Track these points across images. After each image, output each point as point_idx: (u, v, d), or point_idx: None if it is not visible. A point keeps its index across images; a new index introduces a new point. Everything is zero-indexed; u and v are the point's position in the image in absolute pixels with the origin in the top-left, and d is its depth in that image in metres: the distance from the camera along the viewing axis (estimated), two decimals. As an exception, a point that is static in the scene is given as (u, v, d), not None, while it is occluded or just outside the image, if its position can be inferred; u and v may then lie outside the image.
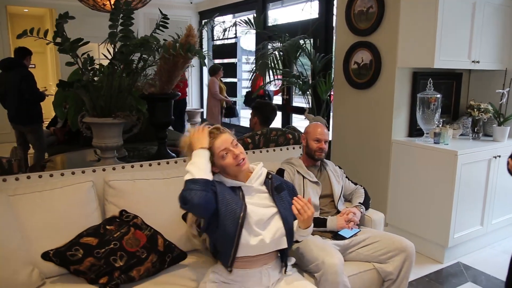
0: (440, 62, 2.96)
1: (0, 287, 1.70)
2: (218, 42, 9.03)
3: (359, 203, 2.41)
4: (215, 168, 1.70)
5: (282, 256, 1.79)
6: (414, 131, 3.38)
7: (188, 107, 9.35)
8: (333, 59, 3.91)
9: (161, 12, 2.66)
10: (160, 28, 2.66)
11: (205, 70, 9.47)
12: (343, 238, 2.21)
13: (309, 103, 4.90)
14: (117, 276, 1.85)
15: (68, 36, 2.38)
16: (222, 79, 7.45)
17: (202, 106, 9.59)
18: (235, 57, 8.22)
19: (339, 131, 3.85)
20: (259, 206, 1.70)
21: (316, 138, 2.41)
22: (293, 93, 6.37)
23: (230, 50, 8.39)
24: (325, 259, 1.88)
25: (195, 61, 9.88)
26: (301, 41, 4.80)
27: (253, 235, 1.64)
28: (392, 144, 3.33)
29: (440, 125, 3.14)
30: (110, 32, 2.34)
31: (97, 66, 2.99)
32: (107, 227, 1.95)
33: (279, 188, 1.80)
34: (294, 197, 1.64)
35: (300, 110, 5.76)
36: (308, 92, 4.81)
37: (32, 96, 4.58)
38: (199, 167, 1.57)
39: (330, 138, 4.01)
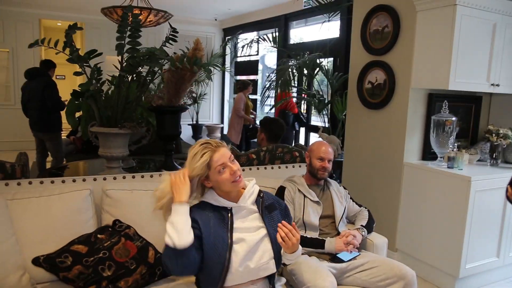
0: (455, 84, 2.88)
1: (-12, 289, 1.72)
2: (240, 59, 9.14)
3: (361, 225, 2.34)
4: (208, 182, 1.65)
5: (270, 277, 1.73)
6: (428, 154, 3.28)
7: (208, 122, 9.47)
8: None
9: (170, 26, 2.71)
10: (170, 41, 2.71)
11: (227, 85, 9.59)
12: (341, 261, 2.13)
13: (325, 122, 4.85)
14: (104, 285, 1.84)
15: (94, 47, 2.47)
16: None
17: (222, 122, 9.67)
18: (256, 74, 8.29)
19: (351, 151, 3.77)
20: (248, 231, 1.65)
21: (319, 156, 2.36)
22: (311, 112, 6.35)
23: (252, 67, 8.47)
24: (316, 283, 1.82)
25: (217, 75, 10.02)
26: (321, 60, 4.80)
27: (241, 266, 1.59)
28: (404, 167, 3.24)
29: (455, 149, 3.03)
30: (118, 43, 2.39)
31: (109, 77, 3.07)
32: (98, 236, 1.96)
33: (271, 207, 1.75)
34: (279, 224, 1.58)
35: (316, 129, 5.71)
36: (324, 111, 4.77)
37: (53, 104, 4.74)
38: (178, 229, 1.48)
39: (343, 159, 3.95)
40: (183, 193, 1.56)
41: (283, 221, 1.60)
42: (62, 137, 5.44)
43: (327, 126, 4.90)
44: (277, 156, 2.89)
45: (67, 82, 10.29)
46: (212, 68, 9.09)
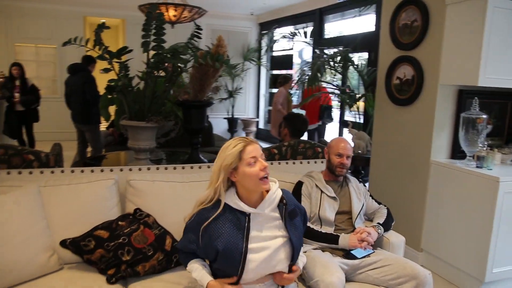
0: (485, 80, 2.78)
1: (22, 266, 1.88)
2: (276, 53, 9.17)
3: (378, 223, 2.33)
4: (234, 176, 1.62)
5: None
6: (458, 153, 3.19)
7: (244, 116, 9.58)
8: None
9: (195, 23, 2.80)
10: (194, 38, 2.81)
11: (263, 79, 9.65)
12: (354, 257, 2.15)
13: (356, 118, 4.81)
14: (123, 269, 1.97)
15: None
16: (275, 89, 7.47)
17: (257, 116, 9.76)
18: (291, 68, 8.29)
19: (379, 147, 3.73)
20: (264, 240, 1.63)
21: (338, 152, 2.38)
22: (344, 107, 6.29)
23: (286, 61, 8.48)
24: (324, 277, 1.85)
25: (253, 69, 10.14)
26: (355, 54, 4.76)
27: (253, 273, 1.62)
28: (431, 165, 3.17)
29: (485, 148, 2.93)
30: (143, 41, 2.51)
31: (139, 74, 3.22)
32: (119, 222, 2.09)
33: (293, 214, 1.71)
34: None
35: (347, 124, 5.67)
36: (355, 107, 4.73)
37: (92, 98, 5.00)
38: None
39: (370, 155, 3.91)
40: None
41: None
42: (102, 129, 5.75)
43: (358, 121, 4.86)
44: (299, 151, 2.93)
45: (111, 76, 10.75)
46: (248, 62, 9.20)
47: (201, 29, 2.79)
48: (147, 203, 2.25)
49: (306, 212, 1.82)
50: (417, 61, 3.23)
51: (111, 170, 2.48)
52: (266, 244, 1.63)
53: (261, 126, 9.88)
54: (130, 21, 8.39)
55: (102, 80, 5.62)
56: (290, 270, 1.68)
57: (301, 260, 1.77)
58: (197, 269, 1.67)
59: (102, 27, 2.44)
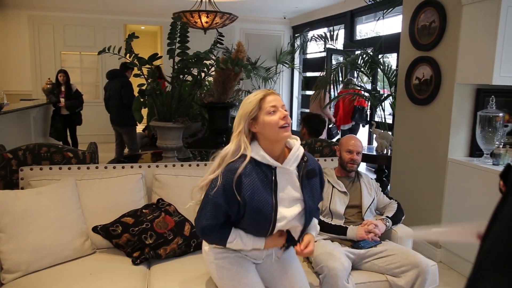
0: (500, 79, 2.84)
1: (60, 249, 2.18)
2: (308, 56, 9.31)
3: (387, 216, 2.47)
4: (255, 126, 1.63)
5: (288, 237, 1.77)
6: (476, 150, 3.24)
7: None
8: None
9: (217, 30, 3.04)
10: (218, 45, 3.05)
11: (296, 81, 9.80)
12: (360, 247, 2.30)
13: (384, 119, 4.89)
14: (147, 251, 2.23)
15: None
16: (308, 92, 7.62)
17: (291, 117, 9.91)
18: (323, 70, 8.39)
19: (400, 146, 3.83)
20: (290, 197, 1.67)
21: (348, 149, 2.54)
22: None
23: (319, 63, 8.60)
24: (328, 263, 2.02)
25: (286, 72, 10.21)
26: (382, 55, 4.86)
27: (284, 225, 1.68)
28: (448, 163, 3.24)
29: (501, 146, 2.98)
30: (169, 48, 2.78)
31: (168, 78, 3.49)
32: (143, 210, 2.36)
33: (311, 173, 1.73)
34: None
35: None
36: (380, 107, 4.82)
37: (128, 101, 5.37)
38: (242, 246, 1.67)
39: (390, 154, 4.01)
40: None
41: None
42: (138, 131, 6.14)
43: (386, 122, 4.93)
44: (316, 149, 3.10)
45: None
46: (281, 65, 9.40)
47: (223, 36, 3.03)
48: (170, 194, 2.51)
49: (324, 183, 1.88)
50: (435, 61, 3.31)
51: (140, 167, 2.75)
52: (292, 201, 1.66)
53: (294, 127, 10.03)
54: (166, 28, 8.82)
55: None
56: (302, 233, 1.72)
57: (315, 228, 1.81)
58: (240, 237, 1.66)
59: (132, 36, 2.74)
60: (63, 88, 6.42)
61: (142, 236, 2.23)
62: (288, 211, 1.66)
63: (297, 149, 1.70)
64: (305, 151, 1.76)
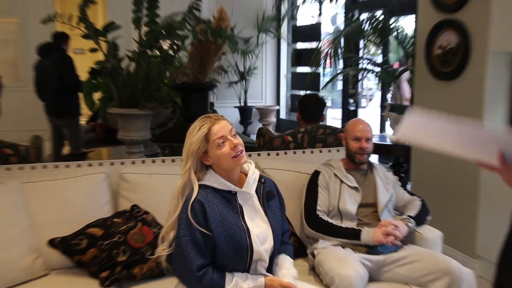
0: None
1: (3, 270, 2.29)
2: (299, 23, 9.47)
3: (409, 216, 2.68)
4: (207, 159, 2.00)
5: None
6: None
7: (260, 104, 9.92)
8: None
9: (192, -8, 3.20)
10: (193, 11, 3.21)
11: (284, 55, 9.96)
12: (378, 252, 2.50)
13: (396, 99, 5.14)
14: (118, 271, 2.38)
15: (118, 19, 2.95)
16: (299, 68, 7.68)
17: (278, 103, 10.08)
18: (319, 40, 8.60)
19: (421, 133, 4.06)
20: (254, 221, 2.06)
21: (355, 136, 2.74)
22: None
23: (314, 32, 8.79)
24: (340, 271, 2.23)
25: (270, 44, 10.24)
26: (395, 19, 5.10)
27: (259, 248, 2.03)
28: (483, 151, 3.48)
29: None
30: (134, 17, 2.93)
31: (129, 53, 3.64)
32: (115, 219, 2.51)
33: (270, 196, 2.15)
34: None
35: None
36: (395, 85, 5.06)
37: (71, 83, 5.39)
38: None
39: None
40: None
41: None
42: (81, 123, 6.19)
43: (401, 104, 5.18)
44: (317, 138, 3.30)
45: (86, 57, 11.21)
46: (264, 35, 9.52)
47: (199, 0, 3.19)
48: (144, 199, 2.66)
49: (283, 200, 2.25)
50: (463, 24, 3.54)
51: (101, 164, 2.89)
52: (260, 225, 2.04)
53: (282, 116, 10.18)
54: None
55: (78, 62, 6.00)
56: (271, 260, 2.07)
57: (287, 267, 2.11)
58: (239, 278, 1.96)
59: (88, 1, 2.87)
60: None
61: (113, 251, 2.38)
62: (260, 235, 2.02)
63: (253, 172, 2.11)
64: (264, 176, 2.19)
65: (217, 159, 1.99)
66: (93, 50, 3.04)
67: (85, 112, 6.48)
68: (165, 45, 3.27)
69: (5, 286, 2.30)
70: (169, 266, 2.08)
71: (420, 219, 2.71)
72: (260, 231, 2.03)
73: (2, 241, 2.32)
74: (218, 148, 1.95)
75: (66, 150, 6.05)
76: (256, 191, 2.11)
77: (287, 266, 2.12)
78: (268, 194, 2.14)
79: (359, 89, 6.92)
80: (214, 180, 2.02)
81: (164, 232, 2.04)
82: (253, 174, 2.10)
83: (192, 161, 1.99)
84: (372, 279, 2.45)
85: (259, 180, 2.13)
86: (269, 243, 2.05)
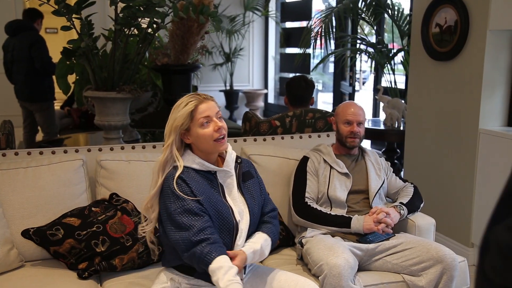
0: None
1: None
2: (288, 0, 9.50)
3: (401, 203, 2.76)
4: (187, 137, 2.08)
5: None
6: (515, 118, 3.59)
7: (247, 87, 9.97)
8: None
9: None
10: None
11: (272, 35, 9.99)
12: (368, 241, 2.58)
13: (392, 82, 5.22)
14: (97, 262, 2.44)
15: None
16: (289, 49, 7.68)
17: (266, 86, 10.14)
18: (309, 19, 8.64)
19: (415, 115, 4.15)
20: (238, 203, 2.18)
21: (346, 120, 2.80)
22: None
23: (303, 9, 8.82)
24: (329, 260, 2.30)
25: (257, 23, 10.26)
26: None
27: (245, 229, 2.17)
28: (480, 135, 3.57)
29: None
30: (110, -9, 2.96)
31: (105, 32, 3.66)
32: (93, 208, 2.56)
33: (246, 176, 2.26)
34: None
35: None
36: (389, 66, 5.14)
37: (42, 66, 5.41)
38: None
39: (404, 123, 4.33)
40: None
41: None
42: (56, 108, 6.21)
43: (396, 87, 5.26)
44: (307, 122, 3.37)
45: (60, 37, 11.14)
46: (251, 13, 9.55)
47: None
48: (122, 186, 2.72)
49: (262, 182, 2.37)
50: (461, 0, 3.61)
51: (77, 151, 2.92)
52: (240, 204, 2.17)
53: (270, 100, 10.25)
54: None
55: (51, 43, 6.01)
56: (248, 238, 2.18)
57: (253, 241, 2.17)
58: (222, 265, 1.95)
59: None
60: None
61: (91, 241, 2.43)
62: (239, 214, 2.14)
63: (231, 152, 2.22)
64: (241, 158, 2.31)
65: (197, 139, 2.07)
66: (65, 28, 3.05)
67: (60, 97, 6.49)
68: (144, 23, 3.29)
69: (-24, 279, 2.34)
70: (156, 247, 2.23)
71: (413, 206, 2.80)
72: (238, 210, 2.15)
73: (-27, 232, 2.35)
74: (201, 127, 2.04)
75: (39, 137, 6.06)
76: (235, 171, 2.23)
77: (253, 240, 2.18)
78: (246, 174, 2.26)
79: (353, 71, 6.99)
80: (192, 161, 2.11)
81: (144, 209, 2.15)
82: (231, 154, 2.21)
83: (174, 136, 2.06)
84: (362, 268, 2.54)
85: (236, 161, 2.24)
86: (245, 222, 2.15)
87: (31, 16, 5.76)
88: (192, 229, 1.98)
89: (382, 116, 5.18)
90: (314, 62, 8.47)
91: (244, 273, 2.17)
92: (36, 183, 2.63)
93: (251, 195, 2.22)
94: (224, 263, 1.95)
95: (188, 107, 2.03)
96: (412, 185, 2.93)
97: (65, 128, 6.16)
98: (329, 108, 7.51)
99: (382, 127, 4.84)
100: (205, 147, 2.09)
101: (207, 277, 2.01)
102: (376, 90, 6.76)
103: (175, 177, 2.04)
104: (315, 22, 5.47)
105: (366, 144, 5.93)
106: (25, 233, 2.47)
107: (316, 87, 7.26)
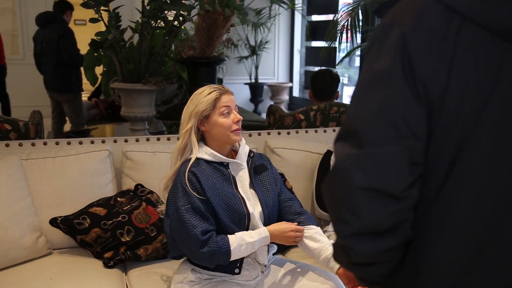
0: None
1: (6, 248, 2.38)
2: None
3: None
4: (204, 125, 2.07)
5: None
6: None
7: (272, 80, 9.95)
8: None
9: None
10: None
11: (298, 28, 9.95)
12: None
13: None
14: (122, 251, 2.48)
15: None
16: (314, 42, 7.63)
17: (291, 80, 10.11)
18: (336, 12, 8.57)
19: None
20: (251, 195, 2.17)
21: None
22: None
23: (329, 3, 8.75)
24: None
25: (284, 16, 10.22)
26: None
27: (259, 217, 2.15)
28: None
29: None
30: (138, -17, 2.98)
31: (133, 25, 3.69)
32: (119, 199, 2.59)
33: (259, 169, 2.26)
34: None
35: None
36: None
37: (70, 58, 5.48)
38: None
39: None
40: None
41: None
42: (84, 99, 6.29)
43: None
44: (331, 116, 3.35)
45: (88, 29, 11.26)
46: (277, 6, 9.50)
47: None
48: (147, 177, 2.74)
49: (279, 175, 2.36)
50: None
51: (103, 142, 2.97)
52: (252, 196, 2.16)
53: (295, 93, 10.21)
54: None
55: (79, 34, 6.07)
56: None
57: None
58: (242, 234, 2.03)
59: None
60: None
61: (117, 231, 2.47)
62: (251, 206, 2.13)
63: (244, 145, 2.23)
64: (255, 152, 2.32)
65: (215, 127, 2.07)
66: (93, 21, 3.09)
67: (87, 88, 6.57)
68: (170, 16, 3.32)
69: (7, 265, 2.39)
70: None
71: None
72: (250, 202, 2.14)
73: (3, 220, 2.38)
74: (222, 116, 2.05)
75: (67, 127, 6.15)
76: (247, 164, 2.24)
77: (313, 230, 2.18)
78: (259, 167, 2.27)
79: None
80: (204, 152, 2.11)
81: (164, 187, 2.18)
82: (244, 147, 2.22)
83: (193, 122, 2.06)
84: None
85: (249, 155, 2.24)
86: (257, 214, 2.14)
87: (61, 8, 5.81)
88: (195, 230, 1.98)
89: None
90: (340, 55, 8.41)
91: (265, 265, 2.18)
92: (64, 172, 2.67)
93: (264, 187, 2.23)
94: (238, 234, 2.02)
95: (213, 95, 2.05)
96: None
97: (92, 119, 6.23)
98: (354, 102, 7.44)
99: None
100: (220, 137, 2.09)
101: (223, 269, 2.06)
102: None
103: (186, 171, 2.05)
104: (341, 15, 5.40)
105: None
106: (53, 222, 2.51)
107: (341, 81, 7.22)
